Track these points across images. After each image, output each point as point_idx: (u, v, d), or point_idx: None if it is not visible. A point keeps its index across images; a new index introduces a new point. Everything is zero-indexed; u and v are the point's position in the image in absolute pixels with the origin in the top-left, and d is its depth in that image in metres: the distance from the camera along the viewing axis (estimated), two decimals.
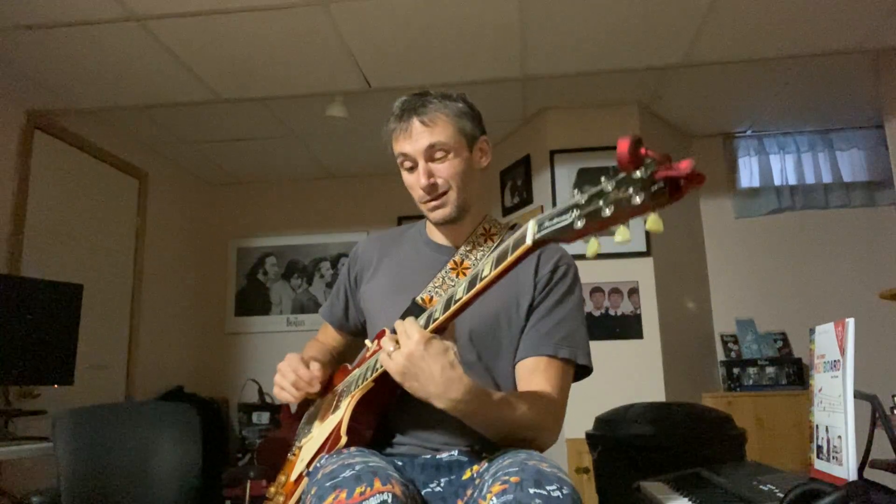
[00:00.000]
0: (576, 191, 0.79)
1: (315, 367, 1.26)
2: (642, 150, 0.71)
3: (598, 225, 0.75)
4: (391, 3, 2.46)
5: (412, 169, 1.24)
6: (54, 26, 2.51)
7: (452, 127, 1.21)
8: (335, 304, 1.47)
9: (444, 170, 1.21)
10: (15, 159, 2.97)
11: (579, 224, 0.76)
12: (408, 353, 0.97)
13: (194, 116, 3.49)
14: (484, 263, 0.96)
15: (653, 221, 0.71)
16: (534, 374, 1.18)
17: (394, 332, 1.09)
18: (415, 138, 1.20)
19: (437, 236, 1.33)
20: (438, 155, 1.21)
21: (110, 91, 3.08)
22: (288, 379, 1.24)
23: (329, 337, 1.50)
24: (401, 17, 2.55)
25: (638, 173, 0.71)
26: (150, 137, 3.77)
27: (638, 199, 0.70)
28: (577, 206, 0.77)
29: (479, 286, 0.95)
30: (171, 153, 4.04)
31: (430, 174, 1.21)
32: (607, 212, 0.73)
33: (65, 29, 2.53)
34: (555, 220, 0.81)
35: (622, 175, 0.73)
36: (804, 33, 2.76)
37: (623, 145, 0.71)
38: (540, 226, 0.84)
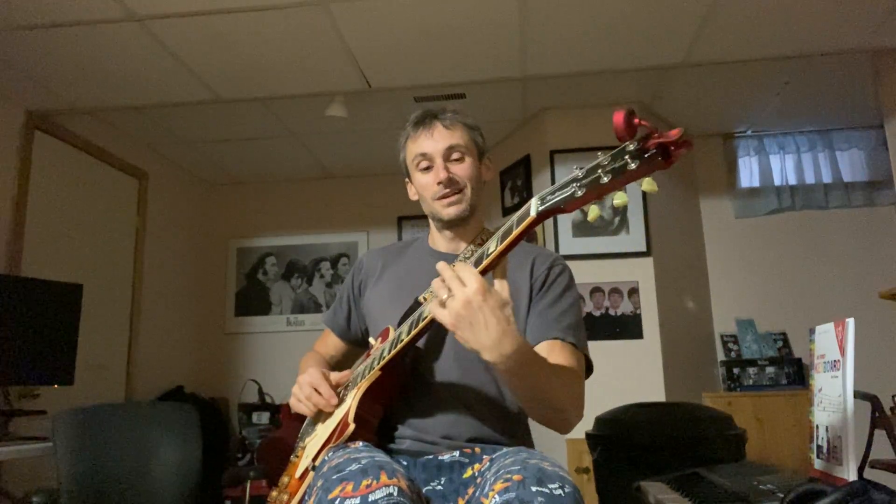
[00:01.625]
0: (575, 167, 0.84)
1: (335, 377, 1.25)
2: (636, 120, 0.78)
3: (597, 192, 0.81)
4: (391, 3, 2.46)
5: (428, 169, 1.30)
6: (54, 26, 2.50)
7: (468, 135, 1.32)
8: (338, 312, 1.49)
9: (461, 169, 1.29)
10: (15, 159, 2.97)
11: (580, 193, 0.82)
12: (465, 300, 0.91)
13: (194, 116, 3.49)
14: (489, 243, 0.98)
15: (647, 183, 0.78)
16: (550, 356, 1.17)
17: (403, 320, 1.13)
18: (436, 138, 1.28)
19: (439, 245, 1.38)
20: (455, 156, 1.29)
21: (110, 91, 3.08)
22: (304, 392, 1.23)
23: (329, 346, 1.52)
24: (401, 17, 2.55)
25: (632, 144, 0.77)
26: (150, 137, 3.77)
27: (633, 166, 0.76)
28: (576, 179, 0.83)
29: (484, 263, 0.97)
30: (171, 153, 4.04)
31: (448, 170, 1.27)
32: (605, 179, 0.79)
33: (65, 29, 2.53)
34: (556, 194, 0.86)
35: (618, 147, 0.79)
36: (804, 33, 2.75)
37: (619, 117, 0.78)
38: (542, 200, 0.88)
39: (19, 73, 2.83)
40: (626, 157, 0.77)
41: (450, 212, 1.28)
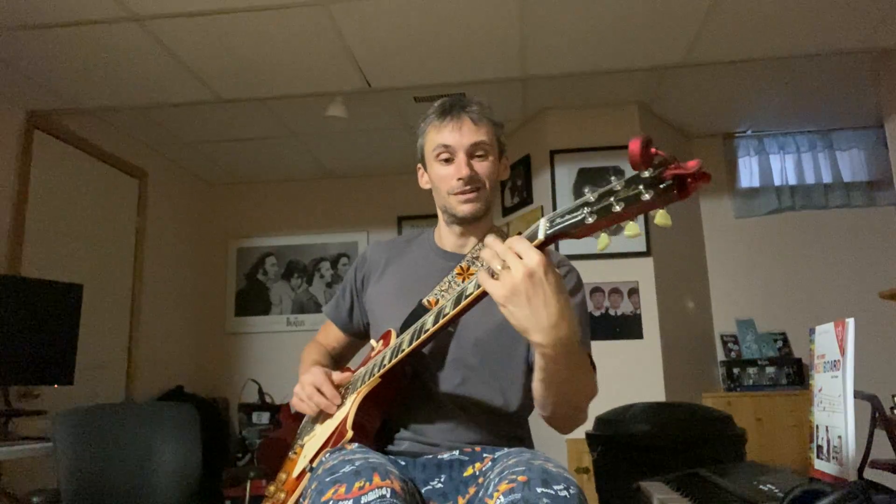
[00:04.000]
0: (587, 189, 0.81)
1: (336, 377, 1.24)
2: (652, 150, 0.74)
3: (608, 220, 0.78)
4: (391, 3, 2.46)
5: (448, 161, 1.26)
6: (54, 26, 2.50)
7: (493, 132, 1.28)
8: (341, 304, 1.47)
9: (482, 168, 1.26)
10: (15, 159, 2.97)
11: (590, 220, 0.79)
12: (529, 272, 0.83)
13: (194, 116, 3.49)
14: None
15: (661, 216, 0.75)
16: None
17: (405, 325, 1.11)
18: (463, 132, 1.24)
19: (446, 243, 1.35)
20: (479, 153, 1.26)
21: (110, 91, 3.08)
22: (306, 392, 1.22)
23: (330, 338, 1.50)
24: (401, 17, 2.55)
25: (647, 172, 0.74)
26: (150, 137, 3.77)
27: (647, 196, 0.73)
28: (587, 203, 0.80)
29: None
30: (171, 153, 4.04)
31: (471, 167, 1.24)
32: (617, 208, 0.76)
33: (65, 29, 2.53)
34: (566, 217, 0.83)
35: (633, 174, 0.76)
36: (804, 33, 2.76)
37: (635, 145, 0.74)
38: (551, 222, 0.85)
39: (19, 73, 2.83)
40: (641, 185, 0.74)
41: (465, 209, 1.25)
